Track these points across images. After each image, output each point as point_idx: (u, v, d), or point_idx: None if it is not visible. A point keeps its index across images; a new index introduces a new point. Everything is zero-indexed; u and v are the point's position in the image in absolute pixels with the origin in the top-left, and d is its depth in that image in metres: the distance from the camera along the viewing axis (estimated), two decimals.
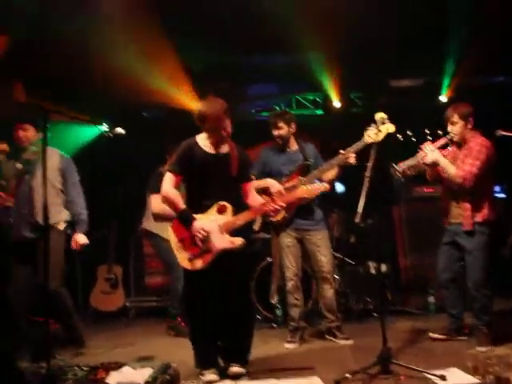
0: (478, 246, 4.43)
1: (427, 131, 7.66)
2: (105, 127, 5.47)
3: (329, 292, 4.85)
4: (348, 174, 4.85)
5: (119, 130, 4.55)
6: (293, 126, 4.92)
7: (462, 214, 4.50)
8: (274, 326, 5.64)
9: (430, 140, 4.68)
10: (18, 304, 4.63)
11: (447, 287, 4.69)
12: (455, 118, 4.50)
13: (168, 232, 3.89)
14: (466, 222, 4.45)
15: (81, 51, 5.64)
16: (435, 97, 7.30)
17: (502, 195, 7.90)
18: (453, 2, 5.74)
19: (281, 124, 4.87)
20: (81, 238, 4.76)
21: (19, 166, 4.70)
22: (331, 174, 4.78)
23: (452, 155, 4.61)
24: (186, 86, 6.73)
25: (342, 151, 4.60)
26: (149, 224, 5.64)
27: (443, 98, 7.21)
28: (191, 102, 6.76)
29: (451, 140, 4.57)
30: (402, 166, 4.56)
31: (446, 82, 7.04)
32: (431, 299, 5.72)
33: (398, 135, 7.57)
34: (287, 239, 4.84)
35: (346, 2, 5.48)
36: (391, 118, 4.32)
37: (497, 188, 7.96)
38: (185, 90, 6.74)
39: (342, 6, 5.52)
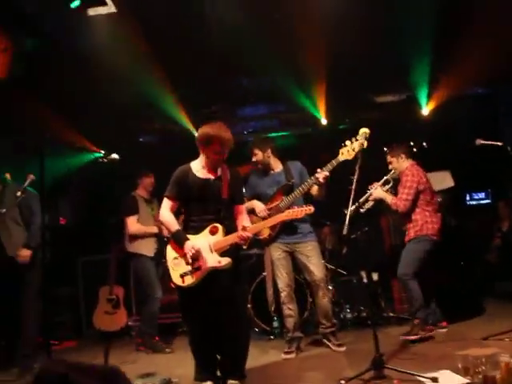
0: (408, 250, 5.23)
1: (412, 143, 7.96)
2: (101, 153, 5.69)
3: (323, 299, 5.04)
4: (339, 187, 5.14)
5: (114, 155, 4.79)
6: (268, 151, 5.19)
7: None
8: (272, 337, 5.81)
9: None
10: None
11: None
12: (388, 158, 5.42)
13: (166, 250, 4.08)
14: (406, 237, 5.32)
15: (84, 76, 5.91)
16: (418, 111, 7.57)
17: (487, 201, 8.16)
18: (427, 24, 6.03)
19: (256, 151, 5.19)
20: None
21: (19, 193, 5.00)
22: (314, 191, 5.02)
23: None
24: (180, 111, 7.01)
25: (318, 170, 4.82)
26: (132, 246, 5.99)
27: (425, 112, 7.47)
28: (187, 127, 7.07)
29: (393, 176, 5.36)
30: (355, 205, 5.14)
31: (425, 96, 7.31)
32: None
33: (384, 148, 7.84)
34: (277, 252, 5.08)
35: (329, 23, 5.78)
36: (376, 132, 4.60)
37: (482, 194, 8.27)
38: (178, 115, 7.03)
39: (326, 28, 5.84)
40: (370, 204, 5.30)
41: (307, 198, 5.08)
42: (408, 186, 5.18)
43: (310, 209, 4.28)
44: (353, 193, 4.16)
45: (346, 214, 4.04)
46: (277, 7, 5.65)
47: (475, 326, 5.33)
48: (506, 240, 6.52)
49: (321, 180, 4.76)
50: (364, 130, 4.39)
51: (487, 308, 5.91)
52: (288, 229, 5.02)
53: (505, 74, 6.81)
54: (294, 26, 5.82)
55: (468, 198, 8.34)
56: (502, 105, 7.69)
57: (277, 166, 5.25)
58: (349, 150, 4.56)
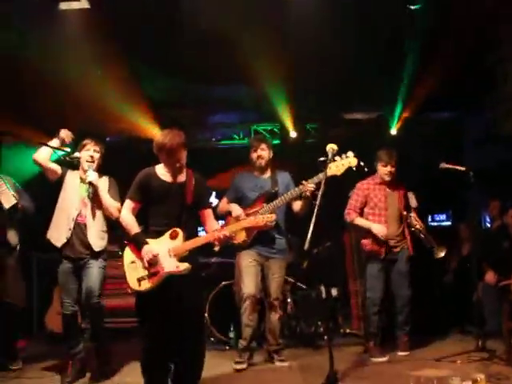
0: (407, 268, 5.22)
1: None
2: (64, 152, 5.49)
3: (273, 317, 5.02)
4: None
5: (76, 154, 4.67)
6: (271, 152, 5.13)
7: (400, 245, 5.22)
8: (227, 348, 5.73)
9: None
10: None
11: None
12: (393, 162, 5.21)
13: (124, 252, 3.96)
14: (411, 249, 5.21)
15: (47, 77, 5.78)
16: (386, 130, 7.67)
17: (448, 222, 8.28)
18: (402, 45, 6.12)
19: (263, 146, 5.09)
20: None
21: None
22: (297, 205, 4.96)
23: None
24: (149, 113, 6.93)
25: (303, 182, 4.73)
26: None
27: (393, 132, 7.58)
28: (153, 130, 6.98)
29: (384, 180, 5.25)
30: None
31: (394, 116, 7.42)
32: None
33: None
34: (248, 260, 4.96)
35: (305, 38, 5.82)
36: (343, 149, 4.58)
37: (443, 216, 8.40)
38: (147, 117, 6.94)
39: (301, 42, 5.87)
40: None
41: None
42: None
43: (272, 216, 4.14)
44: (317, 208, 4.10)
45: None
46: (252, 18, 5.65)
47: (430, 346, 5.44)
48: (463, 264, 6.56)
49: (308, 194, 4.68)
50: (331, 146, 4.27)
51: (443, 329, 5.99)
52: (265, 240, 4.94)
53: (469, 101, 6.99)
54: (268, 38, 5.84)
55: (430, 219, 8.47)
56: (466, 131, 7.87)
57: (266, 172, 5.16)
58: (338, 166, 4.42)
